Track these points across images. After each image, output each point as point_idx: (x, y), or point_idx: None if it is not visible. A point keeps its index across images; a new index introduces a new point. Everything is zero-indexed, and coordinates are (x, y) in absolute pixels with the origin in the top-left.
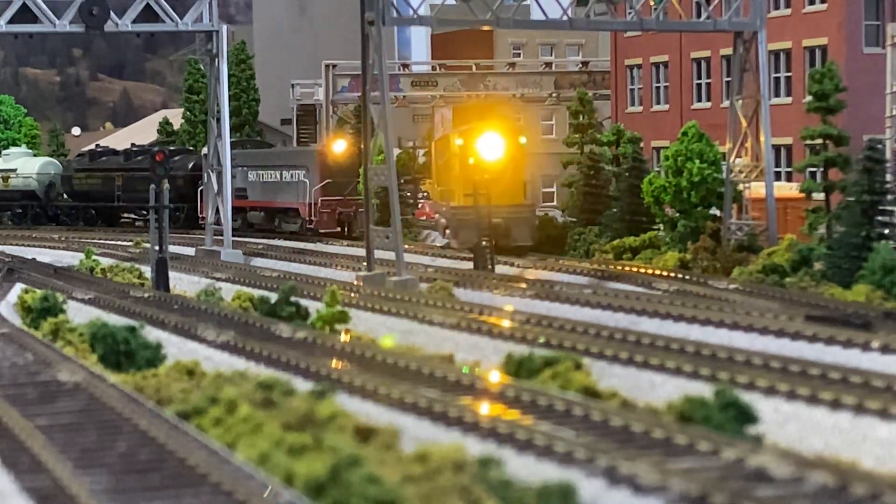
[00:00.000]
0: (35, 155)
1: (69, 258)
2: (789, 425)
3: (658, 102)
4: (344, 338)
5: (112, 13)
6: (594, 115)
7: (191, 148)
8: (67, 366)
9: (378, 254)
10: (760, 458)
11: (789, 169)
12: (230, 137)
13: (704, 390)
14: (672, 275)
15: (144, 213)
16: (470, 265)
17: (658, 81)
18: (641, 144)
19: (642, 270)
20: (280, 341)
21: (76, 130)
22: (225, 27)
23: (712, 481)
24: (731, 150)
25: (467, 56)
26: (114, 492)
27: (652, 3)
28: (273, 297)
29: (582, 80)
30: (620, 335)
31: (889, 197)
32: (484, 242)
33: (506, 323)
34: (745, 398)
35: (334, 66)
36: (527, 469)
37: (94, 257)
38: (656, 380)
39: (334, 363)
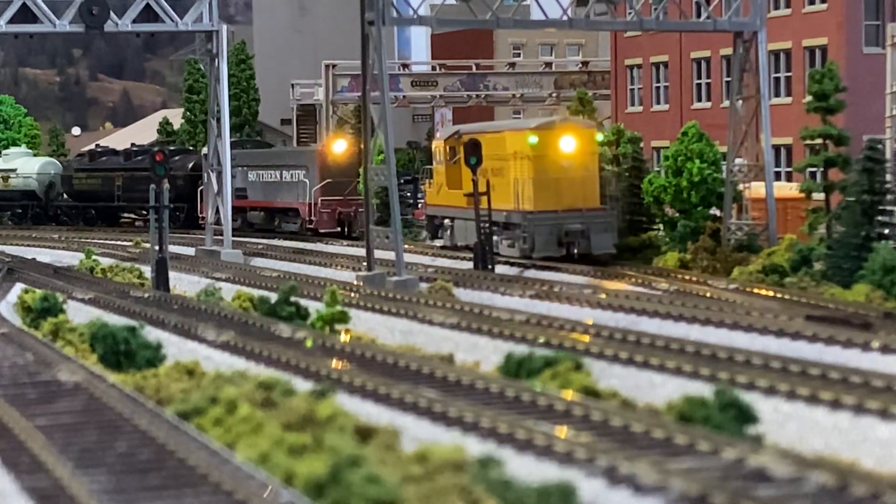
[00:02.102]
0: (35, 155)
1: (69, 258)
2: (789, 425)
3: (658, 102)
4: (344, 338)
5: (112, 13)
6: (594, 115)
7: (191, 148)
8: (67, 366)
9: (378, 254)
10: (760, 458)
11: (789, 169)
12: (230, 137)
13: (704, 390)
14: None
15: (144, 213)
16: (470, 265)
17: (658, 81)
18: (641, 144)
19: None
20: (280, 341)
21: (76, 130)
22: (225, 27)
23: (712, 481)
24: (731, 150)
25: (467, 56)
26: (114, 492)
27: (651, 3)
28: (273, 297)
29: (582, 80)
30: (620, 335)
31: (889, 197)
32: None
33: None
34: (745, 398)
35: (334, 66)
36: (527, 469)
37: (94, 257)
38: (656, 380)
39: (334, 363)
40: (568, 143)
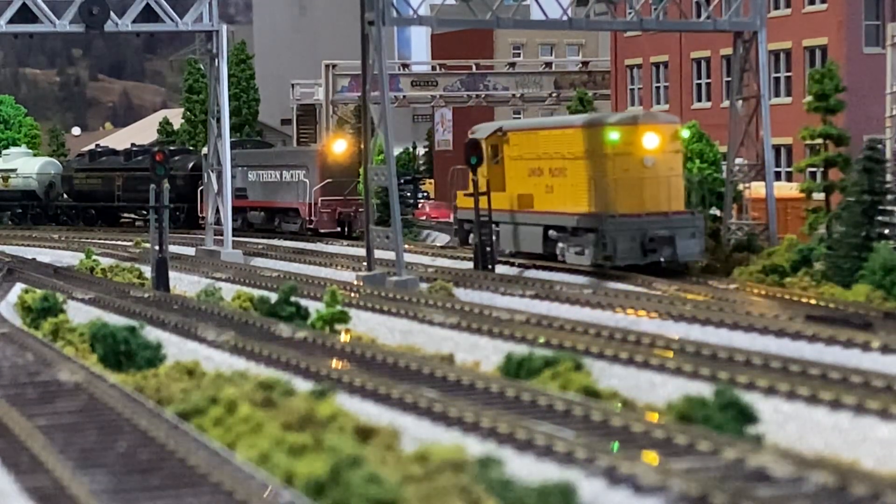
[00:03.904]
0: (35, 155)
1: (69, 258)
2: (789, 425)
3: (658, 102)
4: (344, 338)
5: (112, 13)
6: None
7: (191, 148)
8: (67, 366)
9: (378, 254)
10: (760, 458)
11: (789, 169)
12: (230, 137)
13: (704, 390)
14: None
15: (144, 213)
16: (470, 265)
17: (658, 81)
18: None
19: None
20: (280, 341)
21: (76, 130)
22: (225, 27)
23: (712, 481)
24: (731, 150)
25: (467, 56)
26: (114, 492)
27: (651, 3)
28: (273, 297)
29: (582, 80)
30: (620, 335)
31: (889, 197)
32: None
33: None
34: (745, 398)
35: (334, 66)
36: (527, 469)
37: (94, 257)
38: (656, 380)
39: (334, 363)
40: (651, 140)
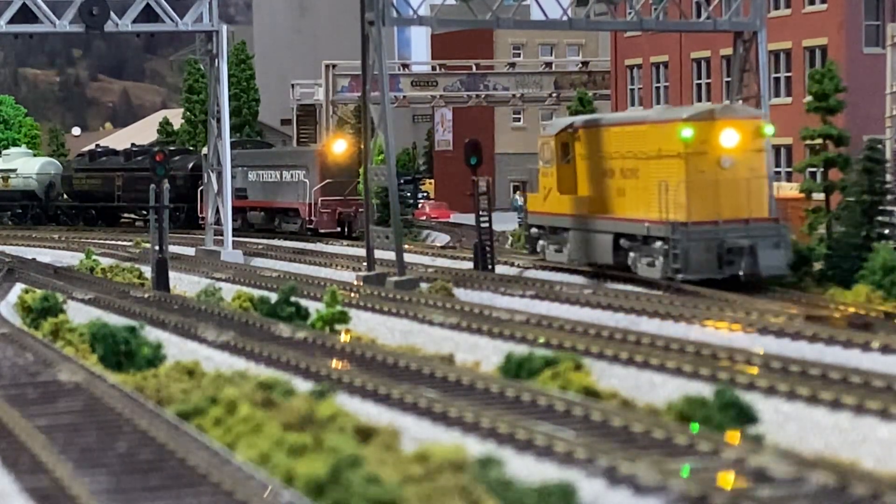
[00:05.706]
0: (35, 155)
1: (69, 258)
2: (789, 425)
3: (658, 102)
4: (344, 338)
5: (112, 13)
6: None
7: (191, 148)
8: (67, 366)
9: (378, 254)
10: (760, 458)
11: (789, 169)
12: (230, 137)
13: (704, 390)
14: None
15: (144, 213)
16: (470, 265)
17: (658, 81)
18: None
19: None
20: (280, 341)
21: (76, 130)
22: (225, 27)
23: (712, 481)
24: None
25: (467, 56)
26: (114, 492)
27: (651, 3)
28: (273, 297)
29: (582, 80)
30: (620, 335)
31: (889, 197)
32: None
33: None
34: (745, 398)
35: (334, 66)
36: (527, 469)
37: (94, 257)
38: (656, 380)
39: (334, 363)
40: (730, 138)
